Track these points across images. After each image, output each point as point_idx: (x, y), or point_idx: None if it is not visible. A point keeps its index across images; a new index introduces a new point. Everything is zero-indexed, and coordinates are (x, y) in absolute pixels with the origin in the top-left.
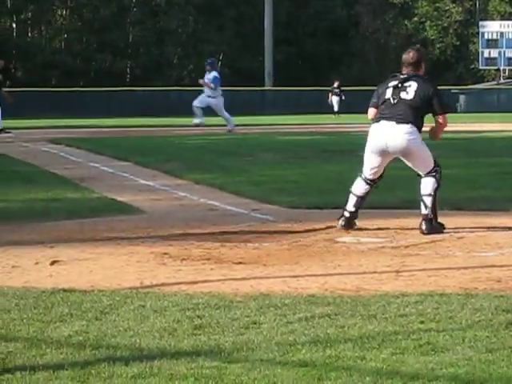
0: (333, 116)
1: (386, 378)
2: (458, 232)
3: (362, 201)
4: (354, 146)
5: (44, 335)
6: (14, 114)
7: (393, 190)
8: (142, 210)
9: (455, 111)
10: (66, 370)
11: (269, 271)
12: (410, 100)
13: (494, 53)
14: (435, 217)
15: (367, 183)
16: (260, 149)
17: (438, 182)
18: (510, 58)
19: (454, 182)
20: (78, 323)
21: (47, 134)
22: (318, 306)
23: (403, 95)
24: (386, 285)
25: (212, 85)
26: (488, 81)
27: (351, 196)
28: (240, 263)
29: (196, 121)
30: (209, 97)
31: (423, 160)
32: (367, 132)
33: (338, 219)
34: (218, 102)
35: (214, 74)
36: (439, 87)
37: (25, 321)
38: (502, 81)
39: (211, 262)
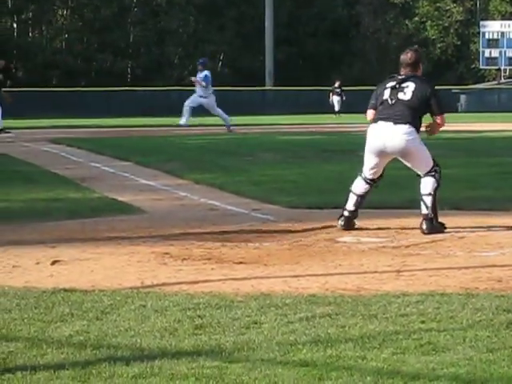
0: (333, 116)
1: (387, 377)
2: (459, 232)
3: (361, 200)
4: (355, 146)
5: (45, 335)
6: (14, 114)
7: (393, 190)
8: (142, 209)
9: (456, 111)
10: (67, 369)
11: (269, 271)
12: (408, 100)
13: (495, 52)
14: (436, 216)
15: (367, 183)
16: (260, 148)
17: (437, 181)
18: (510, 58)
19: (455, 182)
20: (78, 323)
21: (48, 133)
22: (318, 306)
23: (401, 96)
24: (387, 284)
25: (203, 83)
26: (489, 80)
27: (351, 195)
28: (241, 263)
29: (181, 122)
30: (200, 96)
31: (422, 160)
32: (366, 132)
33: (338, 219)
34: (209, 101)
35: (206, 73)
36: (440, 87)
37: (26, 320)
38: (502, 80)
39: (212, 262)
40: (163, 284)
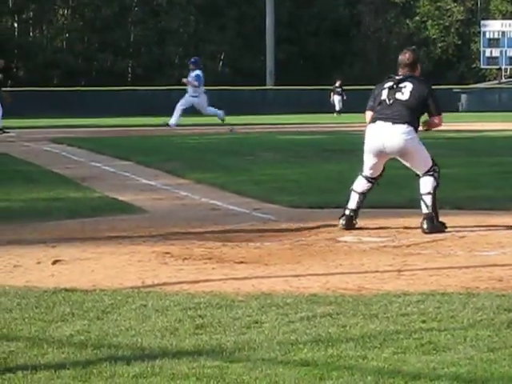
0: (334, 115)
1: (388, 377)
2: (460, 231)
3: (363, 198)
4: (355, 146)
5: (46, 334)
6: (15, 113)
7: (392, 189)
8: (143, 209)
9: (456, 110)
10: (68, 369)
11: (270, 270)
12: (406, 100)
13: (496, 52)
14: (436, 216)
15: (368, 181)
16: (261, 148)
17: (436, 180)
18: (511, 57)
19: (456, 182)
20: (79, 323)
21: (49, 133)
22: (319, 306)
23: (398, 96)
24: (388, 284)
25: (196, 82)
26: (489, 80)
27: (353, 194)
28: (242, 262)
29: (171, 122)
30: (191, 96)
31: (421, 159)
32: (364, 132)
33: (340, 218)
34: (200, 101)
35: (197, 72)
36: (441, 87)
37: (26, 320)
38: (503, 80)
39: (213, 262)
40: (164, 283)
